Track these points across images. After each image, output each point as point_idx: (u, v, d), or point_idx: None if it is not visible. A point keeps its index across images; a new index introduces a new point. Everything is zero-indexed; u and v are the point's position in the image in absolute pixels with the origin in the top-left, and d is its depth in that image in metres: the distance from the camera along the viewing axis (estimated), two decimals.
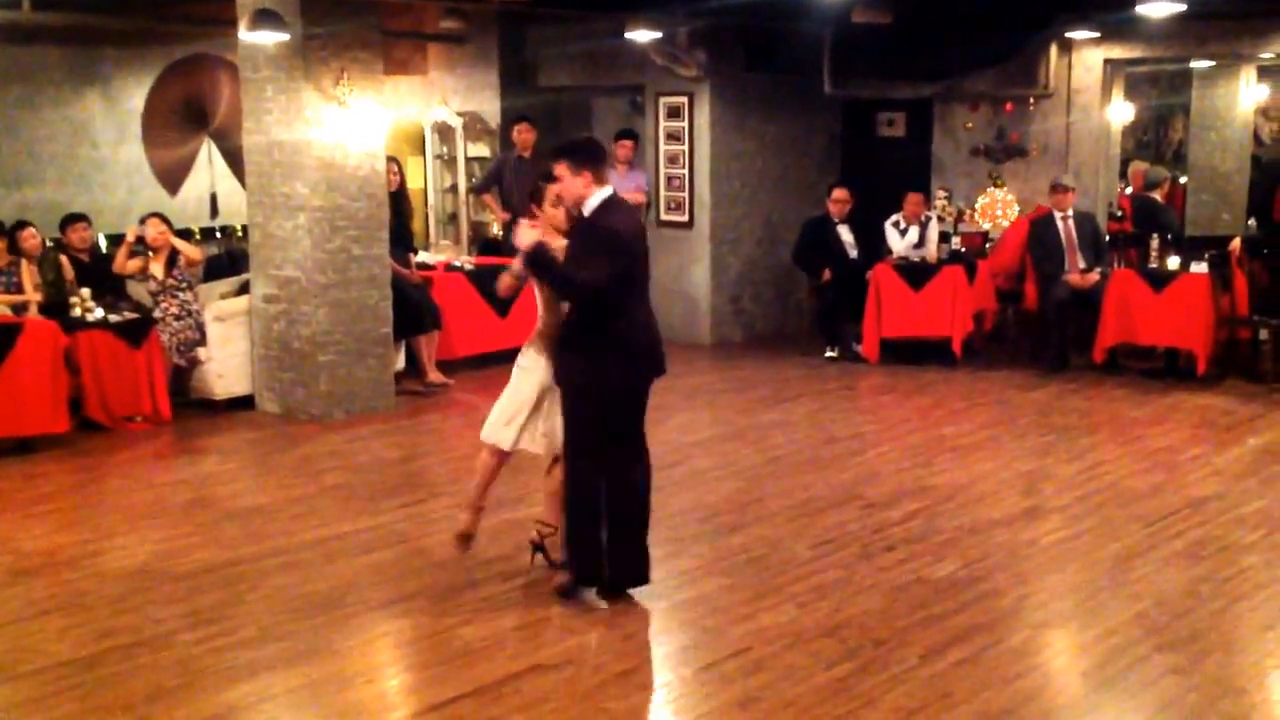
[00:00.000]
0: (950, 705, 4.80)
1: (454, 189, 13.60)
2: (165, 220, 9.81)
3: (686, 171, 12.46)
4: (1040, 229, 11.19)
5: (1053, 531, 6.84)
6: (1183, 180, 15.82)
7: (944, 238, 11.62)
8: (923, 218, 11.61)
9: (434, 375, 10.42)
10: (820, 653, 5.26)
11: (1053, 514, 7.15)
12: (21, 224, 9.65)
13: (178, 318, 9.55)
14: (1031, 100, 12.60)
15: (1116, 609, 5.73)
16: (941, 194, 12.63)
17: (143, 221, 9.81)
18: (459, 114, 13.25)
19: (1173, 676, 5.02)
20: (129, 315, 9.33)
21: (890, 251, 11.52)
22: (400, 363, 10.35)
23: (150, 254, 9.66)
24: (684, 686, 5.07)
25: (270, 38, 8.88)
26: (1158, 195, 12.39)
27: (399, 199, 10.39)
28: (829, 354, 11.50)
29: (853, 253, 11.64)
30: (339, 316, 9.39)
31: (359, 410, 9.52)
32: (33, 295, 9.21)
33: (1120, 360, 10.77)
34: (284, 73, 9.16)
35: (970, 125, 13.03)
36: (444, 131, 13.47)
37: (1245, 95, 15.75)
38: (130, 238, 9.73)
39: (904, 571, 6.22)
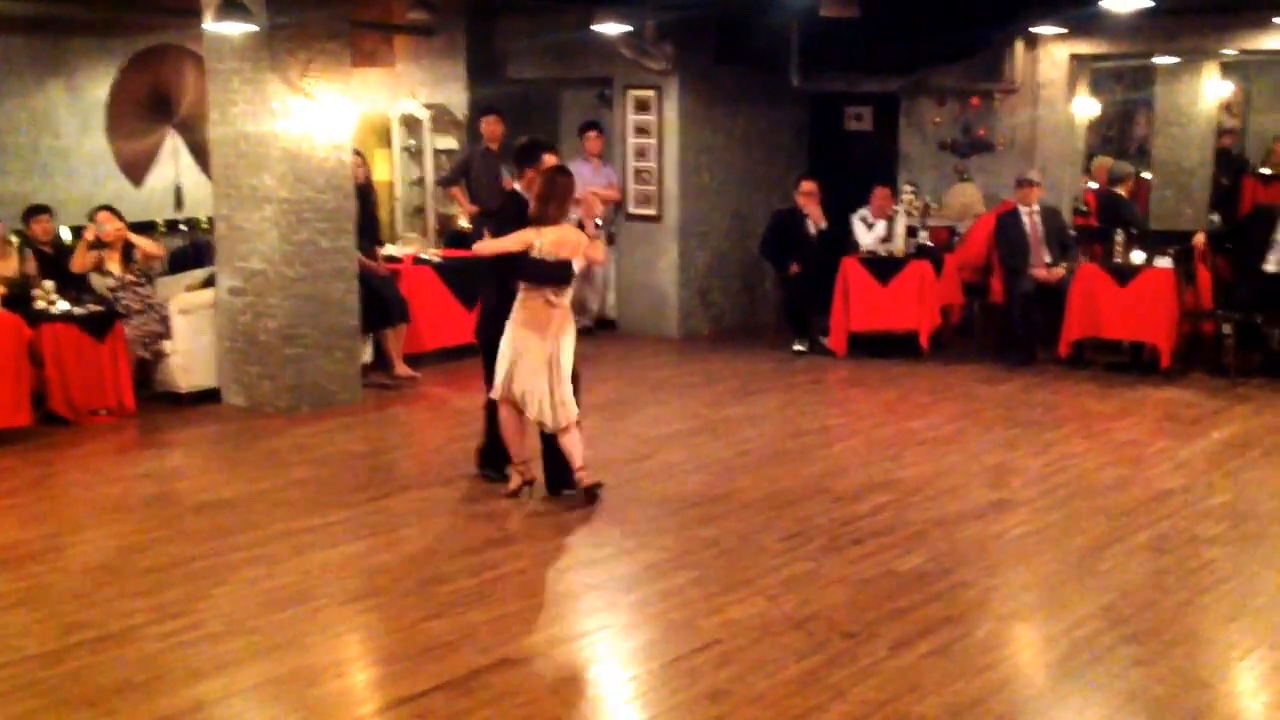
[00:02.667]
0: (919, 697, 4.82)
1: (421, 181, 13.55)
2: (117, 214, 9.71)
3: (655, 165, 12.46)
4: (1006, 224, 11.24)
5: (1019, 524, 6.88)
6: (1146, 175, 15.93)
7: (911, 232, 11.66)
8: (890, 212, 11.64)
9: (401, 369, 10.38)
10: (790, 645, 5.28)
11: (1019, 507, 7.19)
12: None
13: (140, 312, 9.48)
14: (998, 95, 12.66)
15: (1082, 601, 5.77)
16: (908, 188, 12.67)
17: (92, 216, 9.70)
18: (426, 106, 13.20)
19: (1138, 668, 5.06)
20: (93, 308, 9.24)
21: (857, 245, 11.55)
22: (367, 356, 10.31)
23: (105, 250, 9.55)
24: (653, 680, 5.06)
25: (236, 28, 8.82)
26: (1122, 190, 12.48)
27: (365, 192, 10.34)
28: (797, 347, 11.52)
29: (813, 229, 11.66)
30: (305, 309, 9.34)
31: (325, 404, 9.47)
32: None
33: (1085, 354, 10.84)
34: (250, 64, 9.09)
35: (937, 120, 13.07)
36: (411, 124, 13.42)
37: (1208, 91, 15.88)
38: (89, 236, 9.60)
39: (872, 564, 6.24)
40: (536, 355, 6.98)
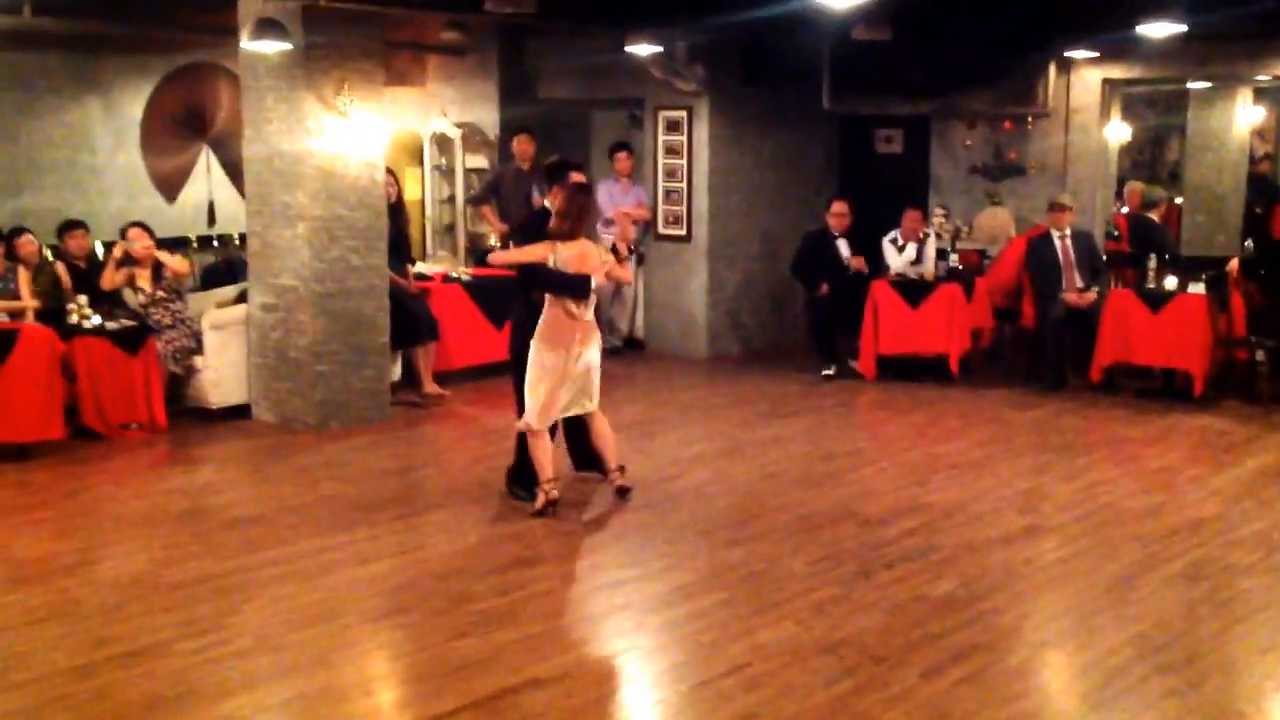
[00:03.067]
0: None
1: (451, 200, 13.61)
2: (147, 230, 9.75)
3: (685, 185, 12.47)
4: (1038, 247, 11.20)
5: (1051, 551, 6.83)
6: (1178, 200, 15.85)
7: (942, 255, 11.62)
8: (921, 235, 11.60)
9: (430, 387, 10.39)
10: (819, 670, 5.24)
11: (1051, 533, 7.14)
12: (18, 230, 9.62)
13: (171, 326, 9.53)
14: (1030, 119, 12.63)
15: (1115, 630, 5.71)
16: (939, 211, 12.64)
17: (124, 232, 9.75)
18: (457, 125, 13.26)
19: (1172, 699, 5.01)
20: (126, 323, 9.29)
21: (888, 268, 11.52)
22: (397, 373, 10.33)
23: (135, 266, 9.60)
24: (681, 702, 5.04)
25: (272, 47, 8.88)
26: (1155, 216, 12.41)
27: (396, 210, 10.37)
28: (825, 372, 11.43)
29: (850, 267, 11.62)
30: (336, 326, 9.37)
31: (355, 421, 9.49)
32: (30, 302, 9.18)
33: (1117, 380, 10.77)
34: (285, 82, 9.15)
35: (968, 143, 13.05)
36: (442, 143, 13.48)
37: (1241, 116, 15.79)
38: (117, 253, 9.65)
39: (903, 589, 6.20)
40: (567, 372, 7.19)
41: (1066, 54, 11.92)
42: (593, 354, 7.32)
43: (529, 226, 7.55)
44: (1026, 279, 11.38)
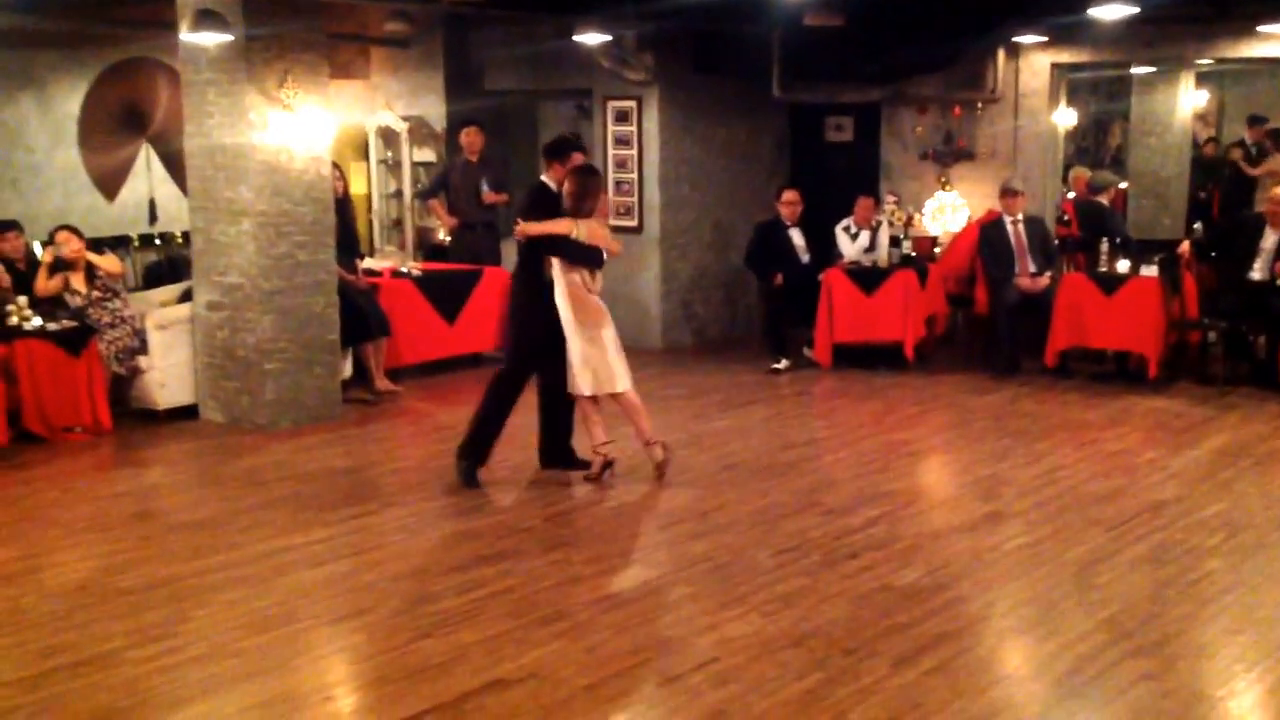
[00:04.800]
0: (923, 716, 4.70)
1: (399, 194, 13.42)
2: (76, 232, 9.50)
3: (635, 176, 12.36)
4: (990, 233, 11.19)
5: (1015, 537, 6.78)
6: (1123, 185, 15.94)
7: (895, 242, 11.58)
8: (873, 222, 11.56)
9: (382, 383, 10.24)
10: (789, 663, 5.16)
11: (1013, 519, 7.10)
12: None
13: (112, 326, 9.31)
14: (979, 104, 12.62)
15: (1084, 615, 5.67)
16: (891, 198, 12.60)
17: (53, 236, 9.51)
18: (403, 118, 13.07)
19: (1145, 683, 4.96)
20: (68, 324, 9.06)
21: (841, 256, 11.46)
22: (347, 371, 10.15)
23: (68, 270, 9.35)
24: (651, 700, 4.94)
25: (212, 39, 8.68)
26: (1104, 199, 12.44)
27: (343, 205, 10.19)
28: (775, 367, 11.30)
29: (804, 256, 11.54)
30: (285, 324, 9.19)
31: (305, 419, 9.32)
32: None
33: (1071, 364, 10.77)
34: (226, 75, 8.95)
35: (919, 129, 13.02)
36: (388, 136, 13.29)
37: (1184, 101, 15.92)
38: (48, 258, 9.40)
39: (868, 579, 6.13)
40: (607, 338, 7.63)
41: (1015, 39, 11.91)
42: (609, 321, 7.76)
43: (537, 202, 7.74)
44: (979, 265, 11.37)
